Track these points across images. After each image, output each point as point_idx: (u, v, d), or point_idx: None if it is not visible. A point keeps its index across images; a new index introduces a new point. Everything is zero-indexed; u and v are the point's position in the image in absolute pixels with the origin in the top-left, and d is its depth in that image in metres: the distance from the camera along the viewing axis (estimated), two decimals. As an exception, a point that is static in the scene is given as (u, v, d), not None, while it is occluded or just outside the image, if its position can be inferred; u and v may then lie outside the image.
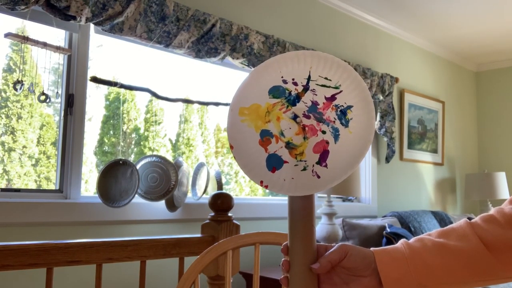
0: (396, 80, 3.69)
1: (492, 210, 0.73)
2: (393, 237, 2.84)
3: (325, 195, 2.83)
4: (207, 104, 2.53)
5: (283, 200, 3.03)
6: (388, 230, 2.91)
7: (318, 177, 0.66)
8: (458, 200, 4.60)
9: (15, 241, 1.26)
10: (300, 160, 0.67)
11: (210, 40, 2.40)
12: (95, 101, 2.42)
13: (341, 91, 0.68)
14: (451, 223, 3.61)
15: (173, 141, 2.75)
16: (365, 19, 3.65)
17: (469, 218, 0.74)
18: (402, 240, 0.74)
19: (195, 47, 2.35)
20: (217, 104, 2.55)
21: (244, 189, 3.09)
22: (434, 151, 4.29)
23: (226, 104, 2.57)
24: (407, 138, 3.98)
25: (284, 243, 0.70)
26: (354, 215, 3.38)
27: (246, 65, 2.60)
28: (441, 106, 4.38)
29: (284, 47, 2.77)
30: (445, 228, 0.74)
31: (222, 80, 2.86)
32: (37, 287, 1.89)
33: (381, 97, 3.52)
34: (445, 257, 0.69)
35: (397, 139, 3.88)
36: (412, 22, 3.83)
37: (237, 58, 2.54)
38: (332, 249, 0.70)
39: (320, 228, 2.70)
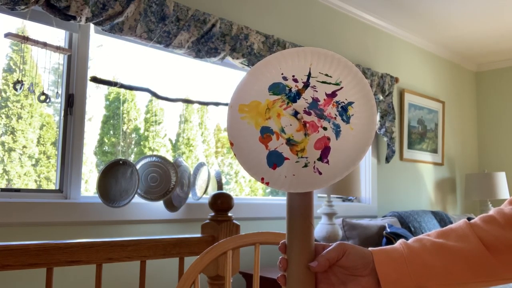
0: (396, 80, 3.68)
1: (492, 211, 0.73)
2: (393, 237, 2.83)
3: (325, 195, 2.82)
4: (207, 104, 2.53)
5: (283, 200, 3.02)
6: (388, 230, 2.91)
7: (320, 173, 0.65)
8: (458, 200, 4.60)
9: (15, 241, 1.25)
10: (301, 157, 0.66)
11: (210, 40, 2.39)
12: (95, 101, 2.42)
13: (341, 88, 0.68)
14: (451, 223, 3.60)
15: (173, 141, 2.75)
16: (365, 19, 3.65)
17: (469, 218, 0.74)
18: (400, 240, 0.73)
19: (195, 47, 2.35)
20: (217, 104, 2.55)
21: (244, 189, 3.09)
22: (434, 151, 4.29)
23: (226, 104, 2.57)
24: (407, 138, 3.97)
25: (282, 241, 0.70)
26: (354, 215, 3.38)
27: (246, 65, 2.60)
28: (441, 106, 4.38)
29: (284, 47, 2.77)
30: (444, 228, 0.73)
31: (222, 80, 2.86)
32: (37, 287, 1.88)
33: (381, 97, 3.52)
34: (445, 257, 0.69)
35: (397, 139, 3.87)
36: (412, 22, 3.83)
37: (237, 58, 2.54)
38: (330, 247, 0.69)
39: (320, 228, 2.70)
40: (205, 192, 2.36)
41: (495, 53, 4.59)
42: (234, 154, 0.68)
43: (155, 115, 2.63)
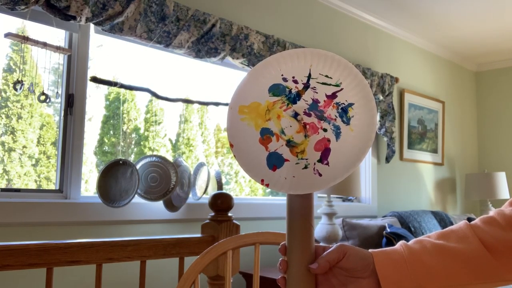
0: (396, 80, 3.68)
1: (492, 212, 0.73)
2: (393, 237, 2.83)
3: (325, 195, 2.82)
4: (207, 104, 2.53)
5: (283, 200, 3.02)
6: (388, 230, 2.91)
7: (320, 175, 0.65)
8: (458, 200, 4.60)
9: (15, 241, 1.26)
10: (301, 158, 0.66)
11: (210, 40, 2.39)
12: (95, 101, 2.42)
13: (342, 89, 0.68)
14: (451, 223, 3.61)
15: (173, 141, 2.75)
16: (365, 19, 3.65)
17: (469, 219, 0.74)
18: (401, 242, 0.73)
19: (195, 47, 2.35)
20: (217, 104, 2.55)
21: (244, 189, 3.09)
22: (434, 151, 4.29)
23: (226, 104, 2.57)
24: (407, 138, 3.97)
25: (282, 243, 0.70)
26: (354, 215, 3.38)
27: (246, 65, 2.60)
28: (441, 106, 4.38)
29: (284, 47, 2.77)
30: (444, 230, 0.73)
31: (222, 80, 2.86)
32: (37, 287, 1.88)
33: (381, 97, 3.52)
34: (445, 258, 0.69)
35: (397, 139, 3.87)
36: (412, 22, 3.83)
37: (237, 58, 2.53)
38: (331, 249, 0.69)
39: (320, 228, 2.70)
40: (205, 192, 2.36)
41: (495, 53, 4.58)
42: (234, 156, 0.68)
43: (155, 115, 2.63)
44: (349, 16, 3.54)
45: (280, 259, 0.69)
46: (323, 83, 0.68)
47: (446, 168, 4.47)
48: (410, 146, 4.01)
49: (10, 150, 2.07)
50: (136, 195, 2.07)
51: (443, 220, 3.63)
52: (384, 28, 3.83)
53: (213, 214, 1.59)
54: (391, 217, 3.33)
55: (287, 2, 3.08)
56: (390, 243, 2.82)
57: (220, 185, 2.49)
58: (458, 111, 4.68)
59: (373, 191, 3.59)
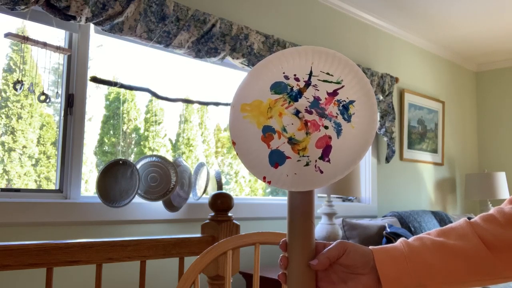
0: (396, 80, 3.69)
1: (492, 210, 0.73)
2: (393, 237, 2.83)
3: (325, 195, 2.82)
4: (207, 104, 2.53)
5: (283, 200, 3.02)
6: (388, 230, 2.91)
7: (321, 172, 0.65)
8: (458, 200, 4.60)
9: (15, 241, 1.25)
10: (303, 156, 0.66)
11: (210, 40, 2.39)
12: (95, 101, 2.42)
13: (343, 86, 0.68)
14: (451, 223, 3.60)
15: (173, 141, 2.75)
16: (365, 19, 3.65)
17: (469, 218, 0.74)
18: (401, 239, 0.73)
19: (195, 47, 2.35)
20: (217, 104, 2.55)
21: (244, 189, 3.09)
22: (434, 151, 4.29)
23: (226, 104, 2.57)
24: (407, 138, 3.98)
25: (283, 240, 0.70)
26: (354, 215, 3.38)
27: (246, 65, 2.60)
28: (441, 106, 4.38)
29: (284, 47, 2.77)
30: (444, 227, 0.73)
31: (222, 80, 2.86)
32: (37, 287, 1.88)
33: (381, 97, 3.52)
34: (445, 256, 0.69)
35: (397, 139, 3.88)
36: (412, 22, 3.83)
37: (237, 58, 2.54)
38: (331, 246, 0.70)
39: (320, 228, 2.70)
40: (205, 192, 2.36)
41: (495, 53, 4.59)
42: (236, 153, 0.68)
43: (155, 115, 2.63)
44: (349, 16, 3.54)
45: (281, 255, 0.69)
46: (324, 81, 0.69)
47: (446, 168, 4.47)
48: (410, 146, 4.01)
49: (10, 150, 2.07)
50: (136, 195, 2.07)
51: (443, 220, 3.63)
52: (384, 28, 3.83)
53: (213, 214, 1.59)
54: (391, 217, 3.33)
55: (287, 2, 3.08)
56: (390, 243, 2.81)
57: (220, 185, 2.49)
58: (458, 111, 4.68)
59: (373, 191, 3.59)
